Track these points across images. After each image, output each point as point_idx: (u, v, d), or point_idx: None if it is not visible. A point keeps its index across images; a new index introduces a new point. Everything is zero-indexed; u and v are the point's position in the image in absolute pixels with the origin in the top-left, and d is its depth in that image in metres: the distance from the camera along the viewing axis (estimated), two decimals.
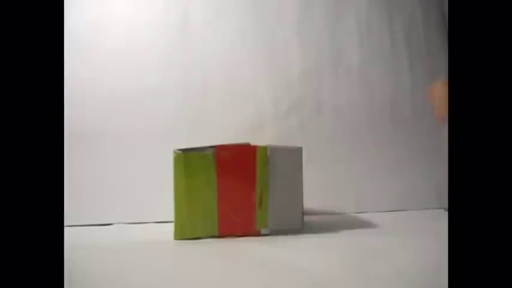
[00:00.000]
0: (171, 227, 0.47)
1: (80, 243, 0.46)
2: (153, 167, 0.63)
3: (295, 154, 0.51)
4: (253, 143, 0.49)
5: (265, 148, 0.49)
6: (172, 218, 0.47)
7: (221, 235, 0.47)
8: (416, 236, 0.45)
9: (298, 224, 0.50)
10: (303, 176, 0.51)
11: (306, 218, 0.53)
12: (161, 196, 0.52)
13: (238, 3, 0.71)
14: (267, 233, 0.48)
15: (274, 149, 0.49)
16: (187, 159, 0.47)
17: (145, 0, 0.69)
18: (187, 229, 0.47)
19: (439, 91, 0.61)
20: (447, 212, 0.52)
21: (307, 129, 0.69)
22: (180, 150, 0.47)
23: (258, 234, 0.48)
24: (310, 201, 0.58)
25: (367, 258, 0.36)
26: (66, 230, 0.43)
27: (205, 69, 0.69)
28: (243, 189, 0.48)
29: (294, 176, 0.51)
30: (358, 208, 0.67)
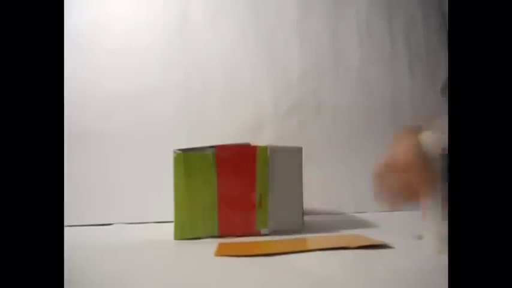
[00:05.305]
0: (171, 227, 0.47)
1: (80, 243, 0.46)
2: (153, 167, 0.63)
3: (295, 154, 0.51)
4: (253, 143, 0.49)
5: (265, 148, 0.49)
6: (172, 218, 0.47)
7: (221, 235, 0.47)
8: (416, 236, 0.45)
9: (298, 224, 0.50)
10: (303, 176, 0.51)
11: (306, 218, 0.53)
12: (161, 196, 0.52)
13: (238, 3, 0.71)
14: (267, 233, 0.48)
15: (274, 149, 0.49)
16: (187, 159, 0.47)
17: (145, 1, 0.69)
18: (187, 229, 0.47)
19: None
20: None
21: (307, 129, 0.69)
22: (180, 150, 0.47)
23: (258, 234, 0.48)
24: (310, 201, 0.58)
25: (367, 258, 0.36)
26: (66, 230, 0.42)
27: (205, 69, 0.69)
28: (243, 189, 0.48)
29: (294, 176, 0.51)
30: (357, 208, 0.67)
